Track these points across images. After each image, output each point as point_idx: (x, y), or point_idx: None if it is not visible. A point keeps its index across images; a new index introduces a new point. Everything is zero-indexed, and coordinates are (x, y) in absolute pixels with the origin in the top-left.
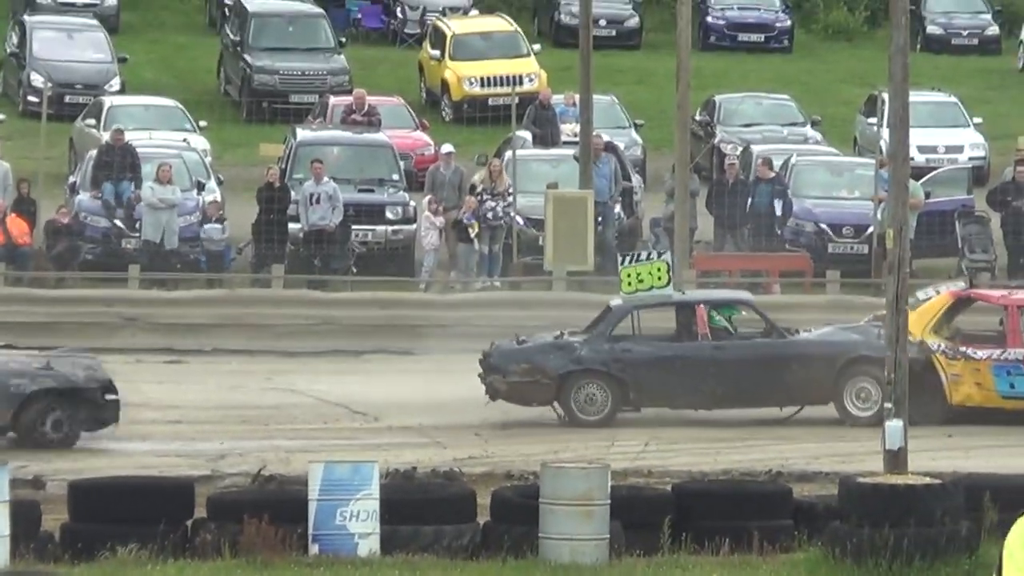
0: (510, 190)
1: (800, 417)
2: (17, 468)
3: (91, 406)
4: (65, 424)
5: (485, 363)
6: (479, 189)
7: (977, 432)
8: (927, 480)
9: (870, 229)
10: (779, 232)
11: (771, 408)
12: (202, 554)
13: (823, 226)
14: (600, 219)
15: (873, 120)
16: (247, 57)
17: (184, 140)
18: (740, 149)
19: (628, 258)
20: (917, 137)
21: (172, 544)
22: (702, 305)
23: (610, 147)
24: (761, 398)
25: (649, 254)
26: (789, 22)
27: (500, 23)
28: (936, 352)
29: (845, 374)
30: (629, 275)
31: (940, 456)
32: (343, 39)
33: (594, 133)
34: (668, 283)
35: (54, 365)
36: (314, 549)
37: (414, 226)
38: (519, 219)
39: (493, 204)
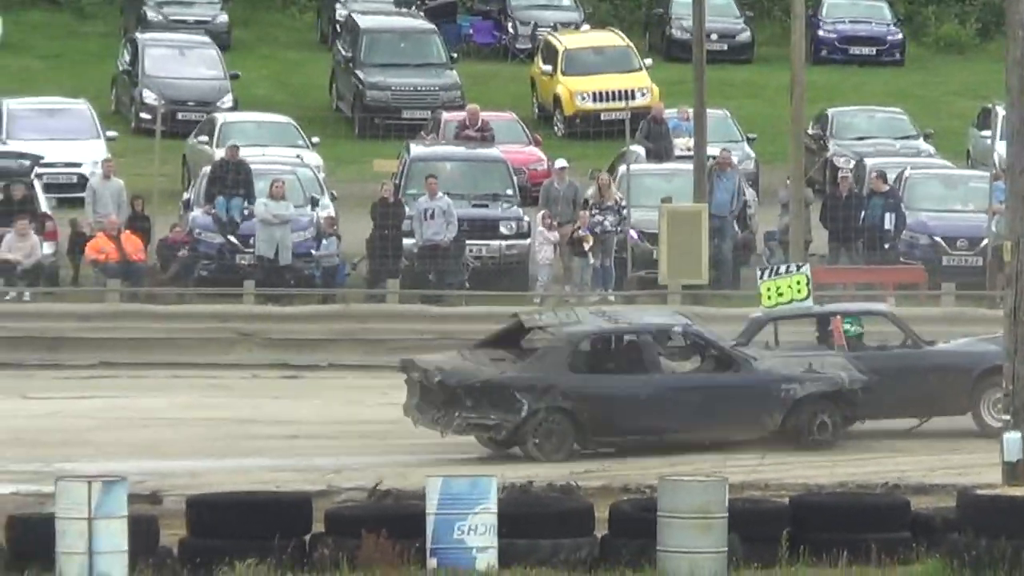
0: (622, 203)
1: (918, 430)
2: (136, 483)
3: (850, 406)
4: (830, 426)
5: None
6: (591, 203)
7: None
8: None
9: (985, 241)
10: (893, 245)
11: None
12: (320, 569)
13: (937, 238)
14: (717, 233)
15: (987, 133)
16: (359, 73)
17: (297, 156)
18: (853, 162)
19: (767, 272)
20: None
21: (290, 559)
22: (839, 317)
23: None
24: (899, 408)
25: (788, 267)
26: (901, 35)
27: (612, 38)
28: None
29: (982, 384)
30: (769, 289)
31: None
32: (455, 55)
33: (722, 148)
34: (808, 296)
35: (815, 367)
36: (432, 563)
37: (528, 241)
38: (633, 233)
39: (601, 218)
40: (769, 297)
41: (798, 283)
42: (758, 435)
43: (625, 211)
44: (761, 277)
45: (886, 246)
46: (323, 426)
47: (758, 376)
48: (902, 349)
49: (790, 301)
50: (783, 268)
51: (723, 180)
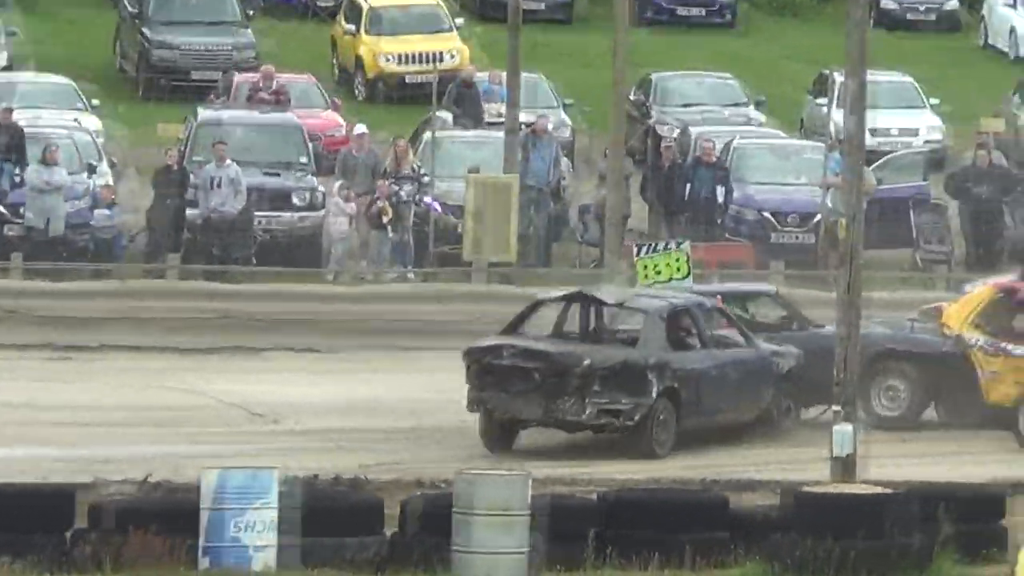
0: (421, 172)
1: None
2: None
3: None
4: (793, 410)
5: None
6: (388, 172)
7: (935, 438)
8: (877, 489)
9: (817, 217)
10: (719, 220)
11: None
12: (82, 567)
13: (766, 214)
14: (534, 205)
15: (822, 101)
16: (145, 31)
17: (75, 120)
18: (678, 131)
19: (644, 248)
20: (870, 119)
21: (49, 557)
22: (719, 297)
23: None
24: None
25: (667, 244)
26: None
27: None
28: (974, 347)
29: (870, 371)
30: (646, 266)
31: (893, 464)
32: (250, 12)
33: (539, 115)
34: (688, 274)
35: None
36: (205, 563)
37: (322, 213)
38: (436, 205)
39: (397, 187)
40: (646, 276)
41: (677, 260)
42: (758, 414)
43: (425, 179)
44: (638, 254)
45: (716, 221)
46: (93, 412)
47: (763, 350)
48: (789, 332)
49: (668, 280)
50: (660, 244)
51: (539, 149)
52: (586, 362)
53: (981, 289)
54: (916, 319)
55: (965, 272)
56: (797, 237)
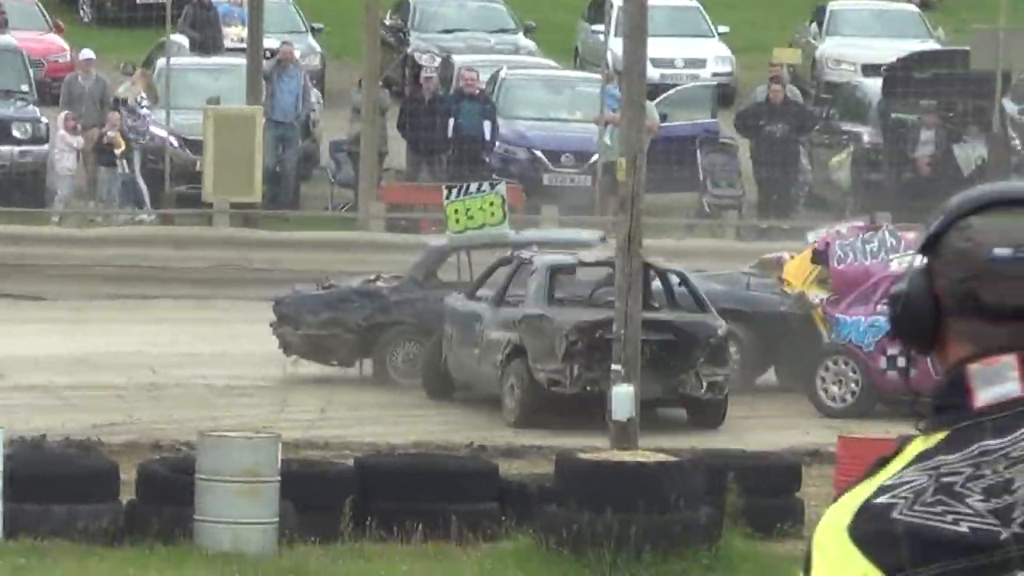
0: (142, 102)
1: None
2: None
3: None
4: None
5: (278, 311)
6: (123, 103)
7: (746, 403)
8: (660, 457)
9: (595, 157)
10: (485, 159)
11: None
12: None
13: (538, 152)
14: (281, 143)
15: (599, 27)
16: None
17: None
18: (439, 60)
19: (455, 190)
20: (652, 48)
21: None
22: (535, 246)
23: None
24: None
25: (480, 186)
26: None
27: None
28: (818, 306)
29: None
30: (457, 211)
31: (677, 431)
32: None
33: (283, 41)
34: (504, 219)
35: None
36: None
37: (47, 147)
38: (173, 140)
39: (132, 122)
40: (457, 221)
41: (491, 204)
42: None
43: (144, 111)
44: (448, 197)
45: (484, 159)
46: None
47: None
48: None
49: (481, 226)
50: (473, 187)
51: (285, 79)
52: (720, 332)
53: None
54: (753, 273)
55: (757, 218)
56: (572, 179)
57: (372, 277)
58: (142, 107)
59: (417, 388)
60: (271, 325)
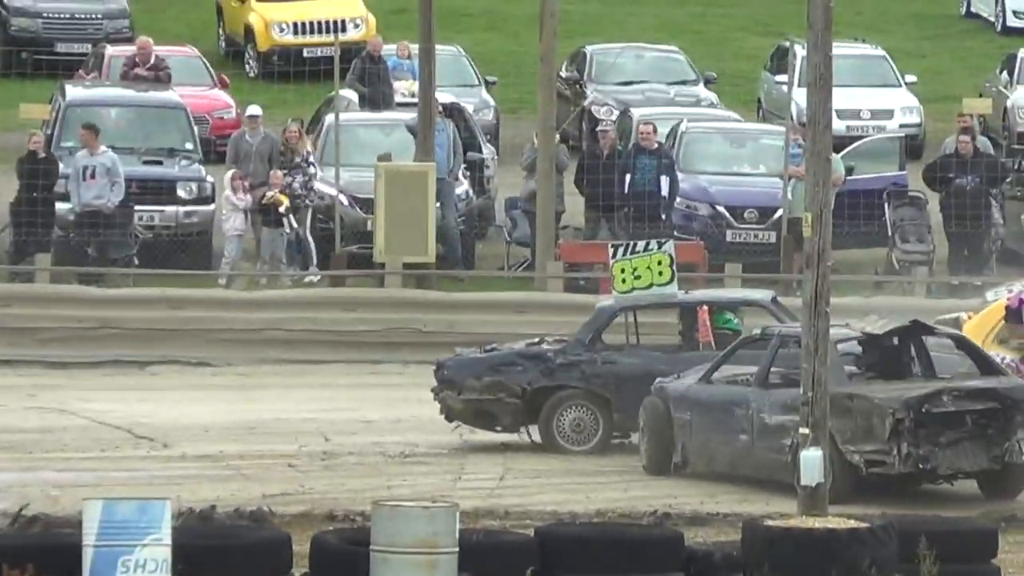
0: (309, 159)
1: None
2: None
3: None
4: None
5: (439, 375)
6: (281, 160)
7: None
8: (851, 523)
9: (779, 213)
10: (664, 216)
11: None
12: None
13: (720, 208)
14: (438, 200)
15: (782, 78)
16: None
17: None
18: (617, 113)
19: (622, 249)
20: (838, 99)
21: None
22: (705, 307)
23: (454, 110)
24: None
25: (648, 244)
26: None
27: None
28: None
29: None
30: (624, 270)
31: (862, 496)
32: None
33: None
34: (672, 279)
35: None
36: None
37: (212, 207)
38: (343, 199)
39: (291, 179)
40: (624, 280)
41: (659, 263)
42: None
43: (312, 169)
44: (614, 256)
45: (661, 216)
46: None
47: None
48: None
49: (648, 287)
50: (640, 245)
51: (435, 134)
52: (984, 405)
53: (1003, 299)
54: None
55: (948, 274)
56: (756, 235)
57: (536, 340)
58: (310, 164)
59: (588, 455)
60: (432, 390)
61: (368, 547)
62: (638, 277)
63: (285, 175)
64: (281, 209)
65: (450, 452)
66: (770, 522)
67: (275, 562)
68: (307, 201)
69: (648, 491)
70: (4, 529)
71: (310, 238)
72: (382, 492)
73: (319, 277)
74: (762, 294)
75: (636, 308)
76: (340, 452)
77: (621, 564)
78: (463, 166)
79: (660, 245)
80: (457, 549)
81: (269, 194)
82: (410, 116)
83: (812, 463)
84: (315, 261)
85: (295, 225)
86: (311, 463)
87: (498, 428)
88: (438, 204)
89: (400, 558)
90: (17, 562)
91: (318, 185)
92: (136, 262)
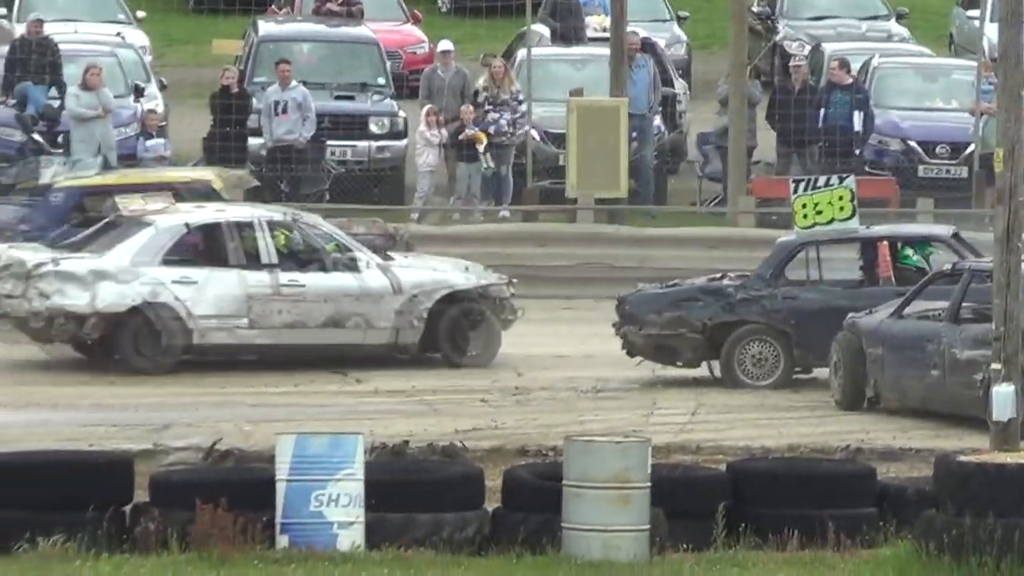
0: (519, 98)
1: None
2: None
3: None
4: None
5: (620, 310)
6: (481, 97)
7: None
8: None
9: (970, 148)
10: (858, 151)
11: None
12: (144, 547)
13: (912, 144)
14: (635, 135)
15: (974, 13)
16: None
17: (118, 34)
18: (809, 48)
19: (803, 184)
20: None
21: (107, 534)
22: (885, 242)
23: (647, 46)
24: None
25: (828, 180)
26: None
27: None
28: None
29: None
30: (805, 205)
31: None
32: None
33: (630, 31)
34: (853, 214)
35: None
36: (283, 541)
37: (405, 142)
38: (535, 134)
39: (497, 116)
40: (805, 216)
41: (840, 199)
42: None
43: (523, 107)
44: (795, 192)
45: (854, 152)
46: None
47: None
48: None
49: (830, 222)
50: (822, 180)
51: (634, 70)
52: None
53: None
54: None
55: None
56: (948, 171)
57: (718, 275)
58: (520, 102)
59: (772, 390)
60: (614, 326)
61: (560, 482)
62: (819, 212)
63: (489, 112)
64: (480, 147)
65: (642, 387)
66: (963, 458)
67: (468, 496)
68: (513, 139)
69: (840, 426)
70: (197, 464)
71: (510, 176)
72: (574, 427)
73: (511, 212)
74: (943, 229)
75: (817, 243)
76: (532, 387)
77: (813, 499)
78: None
79: (841, 180)
80: (649, 484)
81: (469, 131)
82: (602, 51)
83: (1004, 398)
84: (511, 199)
85: (490, 163)
86: (503, 398)
87: (679, 363)
88: (635, 140)
89: (593, 493)
90: (210, 497)
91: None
92: (328, 197)
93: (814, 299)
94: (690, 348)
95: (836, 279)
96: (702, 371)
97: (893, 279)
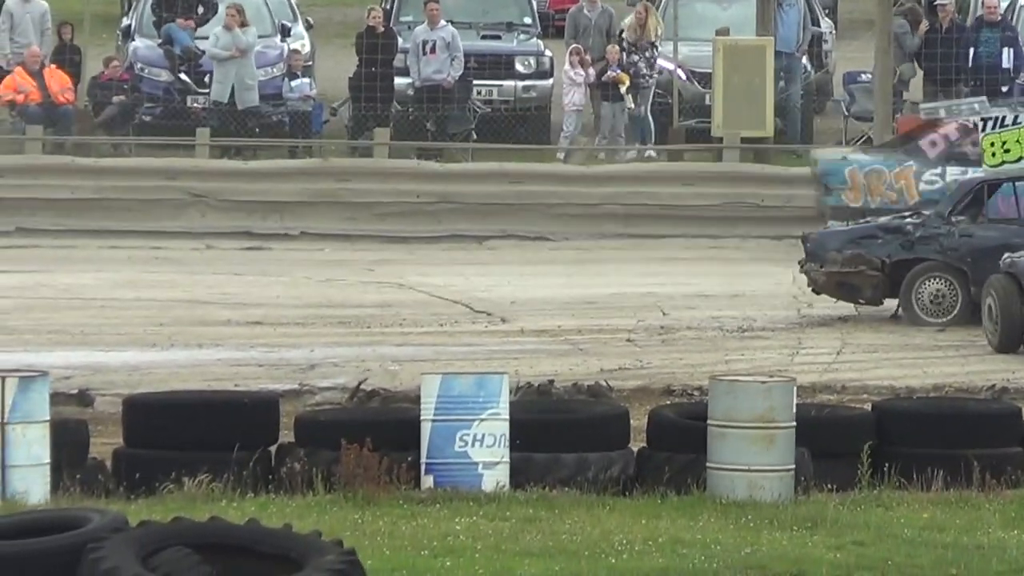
0: (658, 37)
1: None
2: (61, 379)
3: None
4: None
5: (805, 247)
6: (625, 39)
7: None
8: None
9: None
10: (1008, 89)
11: None
12: (290, 487)
13: None
14: (783, 74)
15: None
16: None
17: None
18: None
19: (991, 122)
20: None
21: (252, 474)
22: None
23: None
24: None
25: (1016, 118)
26: None
27: None
28: None
29: None
30: (993, 143)
31: None
32: None
33: None
34: None
35: None
36: (428, 481)
37: (551, 81)
38: (681, 73)
39: (636, 58)
40: (993, 155)
41: None
42: None
43: (659, 48)
44: (983, 129)
45: (1003, 89)
46: (294, 310)
47: None
48: None
49: (1018, 159)
50: (1010, 118)
51: (786, 8)
52: None
53: None
54: None
55: None
56: None
57: (908, 213)
58: (655, 45)
59: (941, 329)
60: (799, 263)
61: (705, 422)
62: (1007, 151)
63: (631, 54)
64: (622, 88)
65: (787, 327)
66: None
67: (613, 436)
68: (649, 80)
69: (986, 366)
70: (343, 403)
71: (650, 117)
72: (719, 367)
73: (657, 152)
74: None
75: (1000, 181)
76: (678, 327)
77: (959, 438)
78: None
79: None
80: (794, 424)
81: (611, 72)
82: None
83: None
84: (654, 139)
85: (632, 105)
86: (649, 337)
87: (860, 300)
88: (782, 79)
89: (737, 432)
90: (355, 437)
91: (660, 62)
92: (475, 136)
93: (990, 236)
94: (870, 286)
95: (1014, 217)
96: (846, 310)
97: None
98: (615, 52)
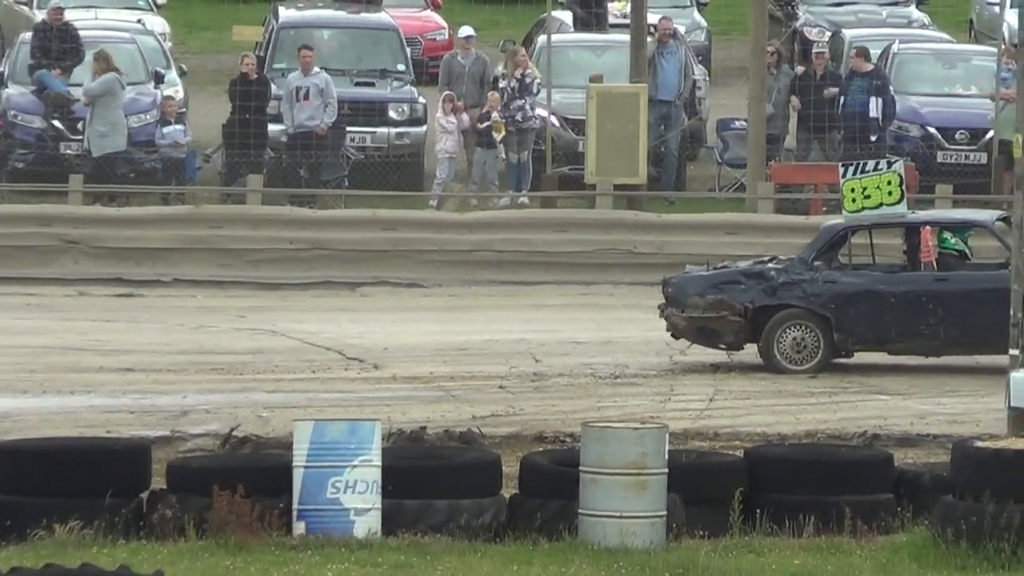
0: (538, 83)
1: (907, 365)
2: None
3: None
4: None
5: (665, 292)
6: (502, 83)
7: None
8: None
9: (990, 134)
10: (874, 137)
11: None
12: (161, 533)
13: (931, 130)
14: (662, 122)
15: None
16: None
17: (138, 21)
18: (829, 35)
19: (852, 169)
20: None
21: (124, 521)
22: (928, 228)
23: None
24: (995, 343)
25: (877, 164)
26: None
27: None
28: None
29: None
30: (853, 190)
31: None
32: None
33: (661, 16)
34: (901, 199)
35: None
36: (300, 528)
37: (424, 128)
38: (554, 120)
39: (521, 102)
40: (853, 200)
41: (889, 183)
42: None
43: (537, 91)
44: (844, 175)
45: (871, 138)
46: (166, 356)
47: None
48: (1002, 270)
49: (878, 206)
50: (870, 165)
51: (666, 56)
52: None
53: None
54: None
55: None
56: (967, 156)
57: (766, 259)
58: (535, 87)
59: (814, 376)
60: (659, 307)
61: (578, 468)
62: (868, 197)
63: (513, 99)
64: (497, 137)
65: (660, 373)
66: (980, 443)
67: (485, 483)
68: (533, 123)
69: (858, 412)
70: (215, 450)
71: (530, 163)
72: (592, 413)
73: (530, 199)
74: (987, 215)
75: (861, 228)
76: (550, 373)
77: (830, 485)
78: None
79: (890, 164)
80: (667, 470)
81: (490, 120)
82: (622, 38)
83: (1022, 384)
84: (528, 183)
85: (504, 156)
86: (521, 384)
87: (722, 346)
88: (662, 127)
89: (609, 479)
90: (227, 483)
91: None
92: (347, 183)
93: (854, 283)
94: (732, 331)
95: (877, 264)
96: (719, 357)
97: (935, 265)
98: (496, 99)
